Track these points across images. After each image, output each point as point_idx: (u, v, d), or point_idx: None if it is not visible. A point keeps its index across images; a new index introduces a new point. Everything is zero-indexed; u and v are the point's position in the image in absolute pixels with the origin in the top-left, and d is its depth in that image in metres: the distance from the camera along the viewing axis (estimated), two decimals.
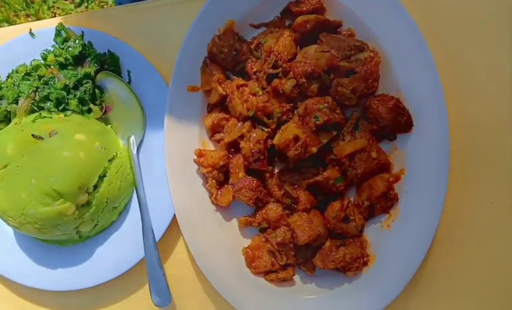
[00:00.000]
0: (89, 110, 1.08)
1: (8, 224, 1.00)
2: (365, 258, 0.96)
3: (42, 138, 0.98)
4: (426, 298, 0.99)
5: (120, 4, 1.51)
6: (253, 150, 0.97)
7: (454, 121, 0.95)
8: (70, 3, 2.44)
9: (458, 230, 0.99)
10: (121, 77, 1.10)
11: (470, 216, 0.99)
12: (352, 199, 0.99)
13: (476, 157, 0.99)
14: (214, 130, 1.05)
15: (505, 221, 0.97)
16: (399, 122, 0.96)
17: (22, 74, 1.10)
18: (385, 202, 0.96)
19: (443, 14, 1.02)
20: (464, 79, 1.01)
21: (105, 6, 2.42)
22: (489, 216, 0.98)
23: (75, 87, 1.08)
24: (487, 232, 0.98)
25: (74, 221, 0.99)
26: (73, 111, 1.06)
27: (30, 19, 2.44)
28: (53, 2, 2.43)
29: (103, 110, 1.10)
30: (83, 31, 1.12)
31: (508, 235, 0.97)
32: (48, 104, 1.07)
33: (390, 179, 0.96)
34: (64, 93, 1.06)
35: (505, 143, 0.98)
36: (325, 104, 0.95)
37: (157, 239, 1.03)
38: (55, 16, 2.43)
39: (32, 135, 0.98)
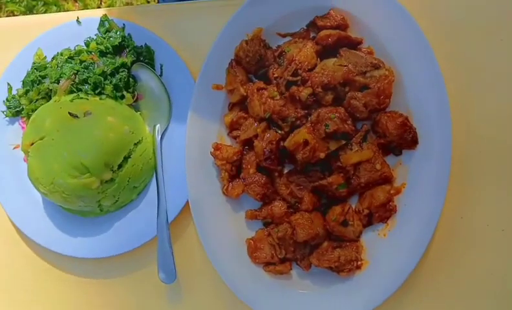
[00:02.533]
0: (122, 97, 1.17)
1: (38, 190, 1.10)
2: (359, 262, 1.01)
3: (77, 117, 1.08)
4: (414, 307, 1.03)
5: (163, 1, 1.61)
6: (265, 149, 1.04)
7: (456, 142, 0.99)
8: None
9: (450, 248, 1.02)
10: (154, 70, 1.18)
11: (463, 236, 1.02)
12: (353, 205, 1.04)
13: (474, 179, 1.03)
14: (232, 127, 1.12)
15: (498, 244, 1.01)
16: (405, 139, 1.00)
17: (66, 57, 1.20)
18: (384, 212, 1.01)
19: (461, 42, 1.07)
20: (472, 109, 1.05)
21: (150, 2, 2.53)
22: (482, 238, 1.01)
23: (112, 74, 1.16)
24: (479, 253, 1.01)
25: (97, 194, 1.08)
26: (107, 95, 1.15)
27: (77, 4, 2.56)
28: None
29: (135, 98, 1.18)
30: (124, 24, 1.21)
31: (498, 258, 1.01)
32: (86, 87, 1.16)
33: (391, 191, 1.01)
34: (102, 79, 1.15)
35: (505, 168, 1.02)
36: (336, 114, 1.00)
37: (170, 220, 1.10)
38: (101, 4, 2.56)
39: (69, 113, 1.07)
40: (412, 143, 1.01)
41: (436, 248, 1.03)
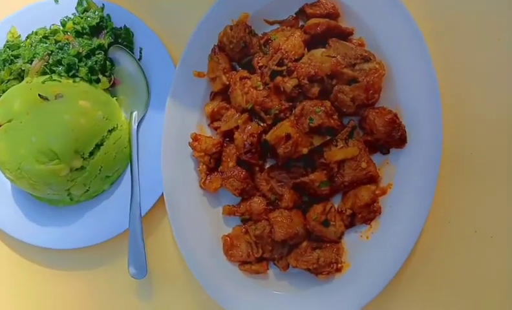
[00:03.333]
0: (98, 80, 1.11)
1: (5, 175, 1.05)
2: (339, 265, 0.96)
3: (48, 99, 1.02)
4: None
5: None
6: (245, 142, 0.99)
7: (447, 143, 0.94)
8: None
9: (435, 254, 0.98)
10: (133, 53, 1.13)
11: (449, 241, 0.98)
12: (335, 205, 0.99)
13: (465, 184, 0.99)
14: (213, 118, 1.07)
15: (486, 251, 0.97)
16: (393, 136, 0.95)
17: (41, 36, 1.15)
18: (368, 213, 0.96)
19: (454, 34, 1.02)
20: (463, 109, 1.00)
21: None
22: (470, 244, 0.97)
23: (88, 56, 1.11)
24: (466, 260, 0.97)
25: (66, 182, 1.03)
26: (82, 78, 1.10)
27: None
28: None
29: (111, 82, 1.13)
30: (103, 4, 1.15)
31: (486, 265, 0.97)
32: (60, 68, 1.10)
33: (376, 192, 0.97)
34: (76, 60, 1.10)
35: (497, 172, 0.98)
36: (322, 108, 0.95)
37: (143, 213, 1.05)
38: None
39: (39, 95, 1.02)
40: (401, 141, 0.96)
41: (420, 254, 0.98)
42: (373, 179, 0.97)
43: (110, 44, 1.12)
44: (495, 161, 0.98)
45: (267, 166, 1.03)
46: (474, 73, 1.00)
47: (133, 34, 1.13)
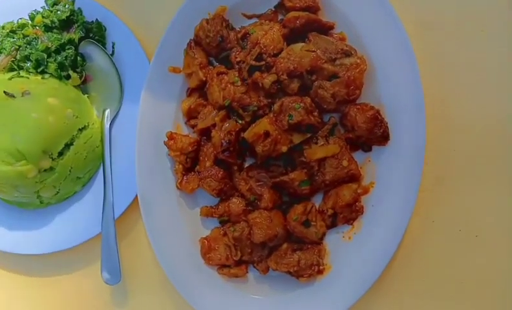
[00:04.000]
0: (68, 77, 1.07)
1: None
2: (321, 267, 0.93)
3: (14, 96, 0.97)
4: None
5: None
6: (223, 140, 0.95)
7: (430, 142, 0.92)
8: None
9: (419, 254, 0.96)
10: (105, 48, 1.08)
11: (434, 241, 0.96)
12: (316, 204, 0.96)
13: (448, 182, 0.96)
14: (190, 115, 1.03)
15: (471, 251, 0.95)
16: (375, 133, 0.93)
17: (8, 31, 1.10)
18: (349, 213, 0.94)
19: (438, 29, 1.00)
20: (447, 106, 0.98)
21: None
22: (454, 243, 0.95)
23: (57, 51, 1.07)
24: (451, 260, 0.95)
25: (35, 184, 0.99)
26: (51, 75, 1.05)
27: None
28: None
29: (82, 79, 1.09)
30: None
31: (469, 264, 0.95)
32: (28, 64, 1.06)
33: (358, 191, 0.94)
34: (45, 56, 1.05)
35: (481, 169, 0.96)
36: (301, 105, 0.92)
37: (116, 216, 1.02)
38: None
39: (4, 92, 0.97)
40: (383, 138, 0.93)
41: (404, 254, 0.96)
42: (355, 178, 0.95)
43: (81, 39, 1.08)
44: (479, 159, 0.96)
45: (246, 165, 1.00)
46: (458, 68, 0.98)
47: (105, 28, 1.09)
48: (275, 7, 1.03)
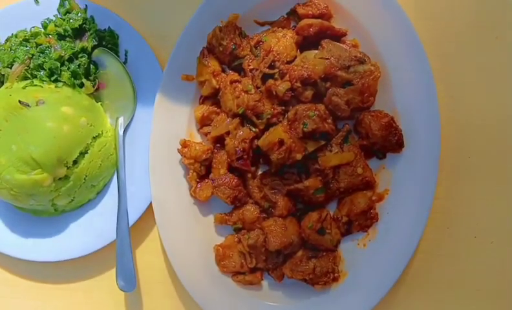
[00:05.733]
0: (81, 85, 1.07)
1: None
2: (336, 274, 0.93)
3: (28, 106, 0.98)
4: None
5: None
6: (237, 148, 0.95)
7: (445, 149, 0.92)
8: None
9: (435, 261, 0.96)
10: (118, 56, 1.08)
11: (449, 247, 0.96)
12: (331, 212, 0.96)
13: (463, 188, 0.96)
14: (203, 123, 1.04)
15: (486, 258, 0.94)
16: (390, 141, 0.93)
17: (21, 39, 1.10)
18: (364, 220, 0.94)
19: (452, 35, 0.99)
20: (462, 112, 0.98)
21: None
22: (469, 250, 0.95)
23: (70, 60, 1.07)
24: (466, 267, 0.95)
25: (50, 193, 0.99)
26: (64, 83, 1.05)
27: None
28: None
29: (96, 87, 1.09)
30: (86, 5, 1.11)
31: (485, 271, 0.94)
32: (42, 73, 1.06)
33: (373, 198, 0.94)
34: (58, 64, 1.05)
35: (496, 176, 0.95)
36: (316, 112, 0.92)
37: (131, 223, 1.01)
38: None
39: (19, 101, 0.97)
40: (397, 146, 0.93)
41: (419, 261, 0.96)
42: (369, 185, 0.94)
43: (94, 47, 1.08)
44: (494, 165, 0.96)
45: (259, 172, 1.00)
46: (472, 74, 0.98)
47: (118, 36, 1.09)
48: (287, 14, 1.03)
